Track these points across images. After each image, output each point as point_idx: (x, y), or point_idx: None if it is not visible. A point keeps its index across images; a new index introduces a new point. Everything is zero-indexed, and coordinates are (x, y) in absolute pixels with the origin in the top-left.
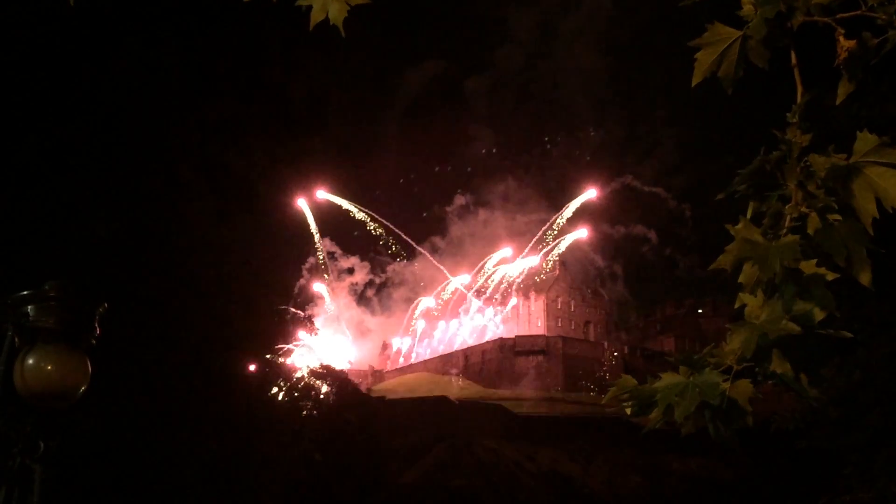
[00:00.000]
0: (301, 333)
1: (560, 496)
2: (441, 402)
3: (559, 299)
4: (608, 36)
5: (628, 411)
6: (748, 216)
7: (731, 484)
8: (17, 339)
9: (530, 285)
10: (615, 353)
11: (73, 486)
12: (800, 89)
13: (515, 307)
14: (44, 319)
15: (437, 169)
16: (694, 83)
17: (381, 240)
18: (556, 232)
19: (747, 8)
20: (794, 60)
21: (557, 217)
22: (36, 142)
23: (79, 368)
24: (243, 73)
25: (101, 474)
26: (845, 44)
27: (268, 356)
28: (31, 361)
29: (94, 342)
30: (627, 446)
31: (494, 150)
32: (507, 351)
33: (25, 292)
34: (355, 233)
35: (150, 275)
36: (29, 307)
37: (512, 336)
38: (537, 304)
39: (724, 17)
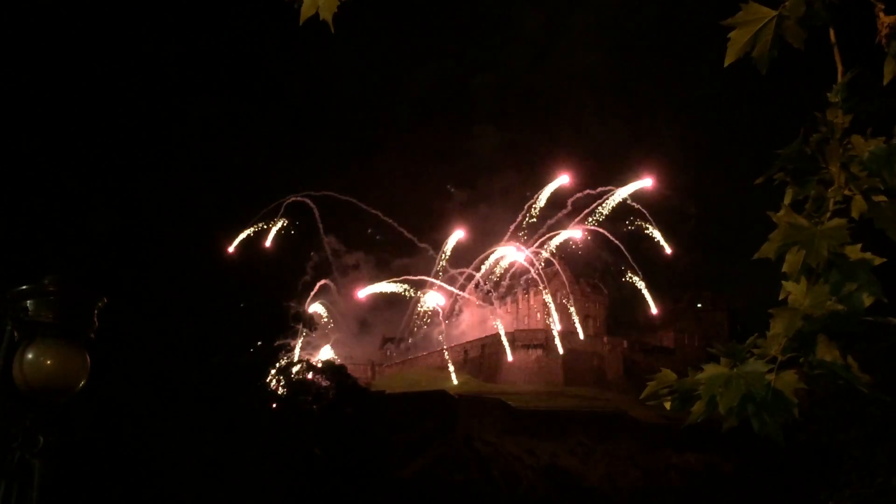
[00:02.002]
0: (302, 328)
1: (559, 490)
2: (440, 396)
3: (559, 293)
4: (614, 34)
5: (668, 406)
6: (787, 202)
7: (729, 478)
8: (16, 334)
9: (530, 279)
10: (615, 348)
11: (72, 480)
12: (840, 68)
13: (515, 301)
14: (43, 314)
15: (440, 165)
16: (727, 63)
17: (383, 236)
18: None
19: None
20: (832, 38)
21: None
22: (35, 138)
23: (78, 363)
24: (243, 68)
25: (101, 468)
26: (886, 20)
27: (268, 350)
28: (30, 356)
29: (93, 336)
30: (626, 440)
31: (498, 148)
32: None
33: (25, 287)
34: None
35: (149, 269)
36: (28, 301)
37: (511, 330)
38: (537, 299)
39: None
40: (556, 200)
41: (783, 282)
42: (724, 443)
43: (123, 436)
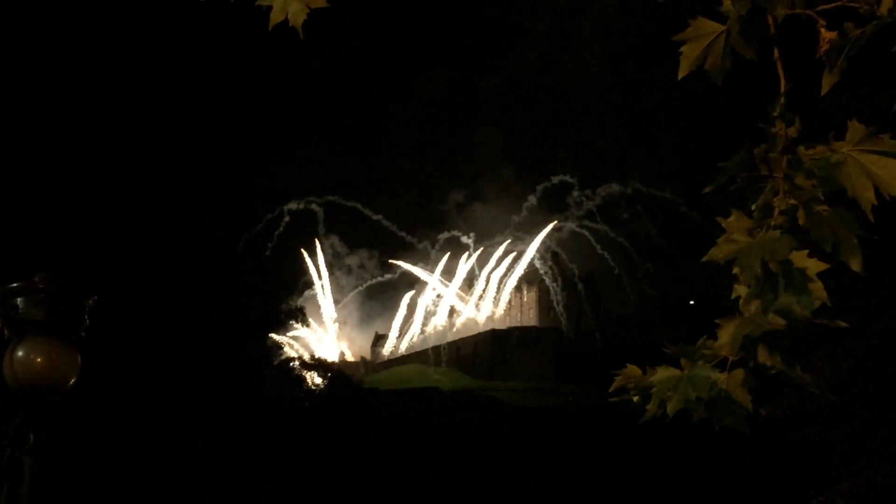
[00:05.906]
0: (294, 325)
1: (552, 487)
2: (433, 393)
3: (552, 290)
4: (619, 41)
5: (635, 399)
6: (751, 209)
7: (718, 475)
8: (6, 331)
9: (523, 277)
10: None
11: (63, 478)
12: (783, 81)
13: (509, 298)
14: (33, 311)
15: (444, 167)
16: (680, 76)
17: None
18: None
19: (726, 3)
20: (776, 54)
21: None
22: (27, 133)
23: (68, 360)
24: (236, 62)
25: (92, 466)
26: (826, 35)
27: (261, 347)
28: (20, 353)
29: (84, 334)
30: (619, 437)
31: (501, 150)
32: (499, 342)
33: (15, 284)
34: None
35: (140, 266)
36: (18, 299)
37: (505, 327)
38: (529, 296)
39: (707, 11)
40: (556, 201)
41: (735, 284)
42: (713, 440)
43: (114, 432)
